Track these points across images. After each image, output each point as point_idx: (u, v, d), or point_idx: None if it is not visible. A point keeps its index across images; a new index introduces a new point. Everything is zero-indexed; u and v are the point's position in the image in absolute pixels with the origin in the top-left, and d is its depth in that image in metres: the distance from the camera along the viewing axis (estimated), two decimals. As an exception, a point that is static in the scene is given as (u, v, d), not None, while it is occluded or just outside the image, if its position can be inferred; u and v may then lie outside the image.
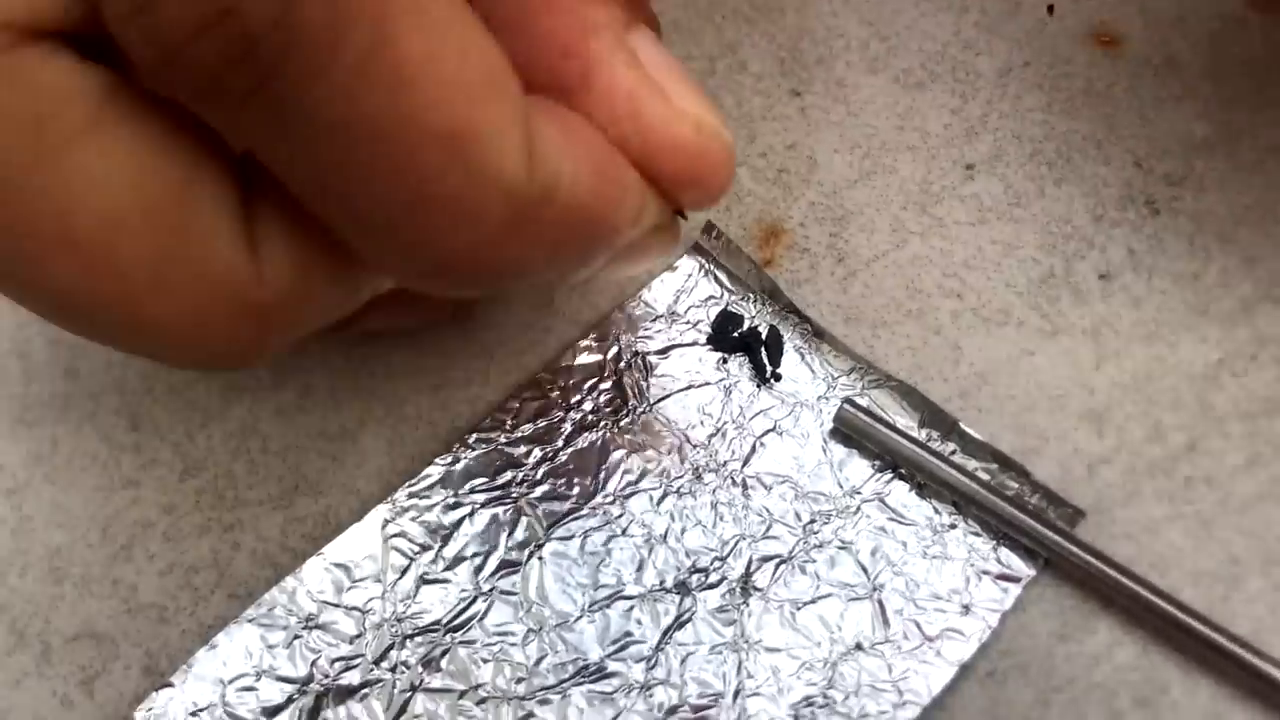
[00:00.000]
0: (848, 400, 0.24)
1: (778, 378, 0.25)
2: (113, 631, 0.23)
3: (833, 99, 0.29)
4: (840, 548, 0.23)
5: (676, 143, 0.17)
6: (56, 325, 0.16)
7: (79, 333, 0.16)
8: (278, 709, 0.21)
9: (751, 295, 0.26)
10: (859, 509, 0.23)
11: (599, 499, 0.24)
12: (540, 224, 0.15)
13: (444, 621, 0.22)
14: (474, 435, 0.24)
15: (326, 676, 0.22)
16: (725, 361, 0.25)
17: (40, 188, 0.13)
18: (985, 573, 0.23)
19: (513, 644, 0.22)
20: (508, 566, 0.23)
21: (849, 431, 0.24)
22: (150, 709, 0.21)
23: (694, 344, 0.25)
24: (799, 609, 0.22)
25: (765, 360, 0.25)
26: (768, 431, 0.24)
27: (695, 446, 0.24)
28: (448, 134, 0.13)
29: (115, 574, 0.24)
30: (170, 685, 0.22)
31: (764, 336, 0.25)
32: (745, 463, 0.24)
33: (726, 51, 0.29)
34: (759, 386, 0.25)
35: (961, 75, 0.29)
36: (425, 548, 0.23)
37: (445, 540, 0.23)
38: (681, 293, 0.26)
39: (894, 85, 0.29)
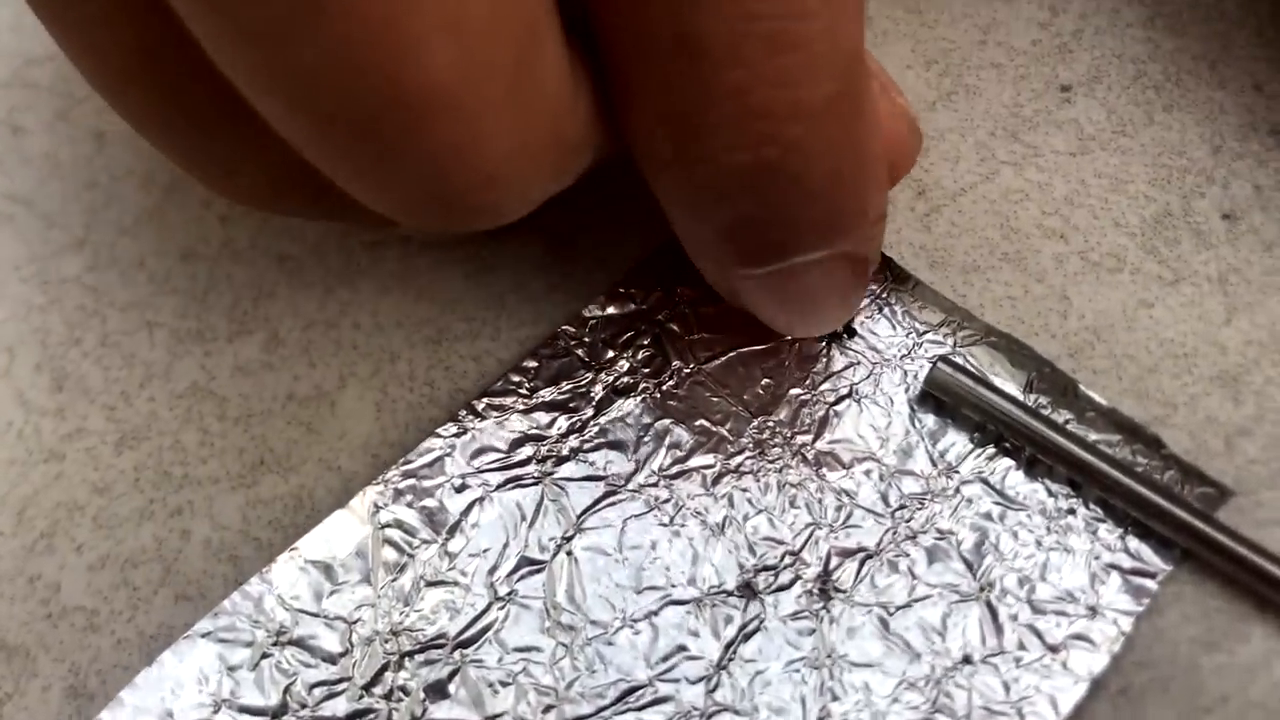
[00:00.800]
0: (941, 359, 0.20)
1: (851, 333, 0.21)
2: (27, 642, 0.18)
3: (903, 8, 0.24)
4: (938, 538, 0.19)
5: (897, 140, 0.16)
6: (359, 146, 0.12)
7: (372, 155, 0.13)
8: (240, 747, 0.17)
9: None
10: (957, 491, 0.19)
11: (640, 479, 0.19)
12: (844, 133, 0.14)
13: (451, 635, 0.18)
14: (484, 400, 0.20)
15: (304, 706, 0.17)
16: (788, 312, 0.21)
17: None
18: (1113, 567, 0.19)
19: (538, 663, 0.18)
20: (530, 565, 0.18)
21: (943, 396, 0.20)
22: (73, 749, 0.17)
23: (750, 291, 0.21)
24: (892, 614, 0.18)
25: (838, 311, 0.21)
26: (843, 398, 0.20)
27: (756, 416, 0.20)
28: None
29: (31, 569, 0.19)
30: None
31: (835, 282, 0.21)
32: (817, 435, 0.20)
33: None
34: (829, 343, 0.20)
35: (1049, -17, 0.25)
36: (426, 541, 0.18)
37: (451, 532, 0.18)
38: (731, 230, 0.21)
39: (972, -7, 0.24)
